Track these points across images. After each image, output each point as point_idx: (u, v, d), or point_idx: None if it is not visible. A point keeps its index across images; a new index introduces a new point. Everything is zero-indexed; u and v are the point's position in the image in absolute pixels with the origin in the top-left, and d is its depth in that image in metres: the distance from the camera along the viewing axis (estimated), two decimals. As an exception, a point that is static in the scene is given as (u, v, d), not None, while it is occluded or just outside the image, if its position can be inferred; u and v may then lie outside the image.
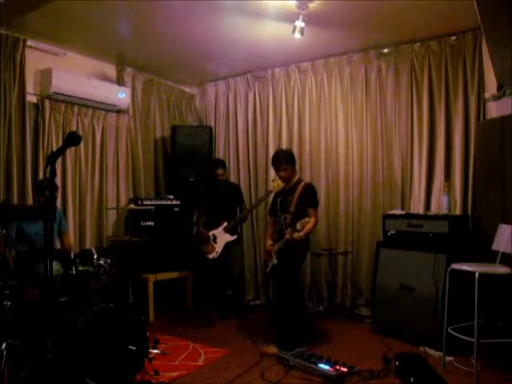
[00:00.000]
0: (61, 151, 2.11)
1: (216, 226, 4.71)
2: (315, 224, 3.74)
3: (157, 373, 3.14)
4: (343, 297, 4.87)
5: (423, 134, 4.42)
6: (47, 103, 4.33)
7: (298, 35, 3.74)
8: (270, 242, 3.86)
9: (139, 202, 4.78)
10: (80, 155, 4.59)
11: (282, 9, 3.67)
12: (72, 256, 3.24)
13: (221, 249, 4.66)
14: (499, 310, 3.45)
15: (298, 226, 3.44)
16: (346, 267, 4.87)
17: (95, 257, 3.24)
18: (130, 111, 5.17)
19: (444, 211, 4.12)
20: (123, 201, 5.03)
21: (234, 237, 4.72)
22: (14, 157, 4.02)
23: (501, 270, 3.12)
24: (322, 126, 5.04)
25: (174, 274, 4.88)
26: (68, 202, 4.44)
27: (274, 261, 3.75)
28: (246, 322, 4.50)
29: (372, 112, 4.77)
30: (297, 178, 3.97)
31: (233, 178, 5.54)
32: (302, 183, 3.85)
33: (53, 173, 2.01)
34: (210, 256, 4.66)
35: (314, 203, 3.82)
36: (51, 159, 2.00)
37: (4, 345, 2.54)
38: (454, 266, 3.22)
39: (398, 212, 4.28)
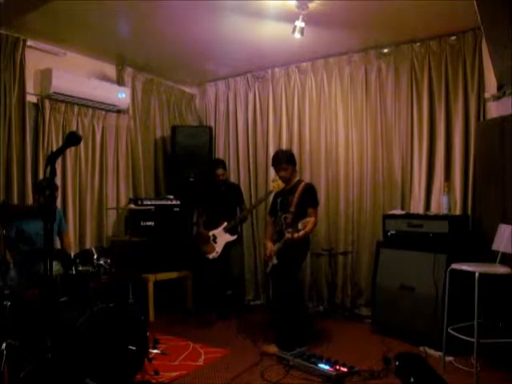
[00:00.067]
0: (61, 151, 2.11)
1: (216, 226, 4.71)
2: (315, 224, 3.75)
3: (157, 373, 3.14)
4: (343, 297, 4.87)
5: (423, 134, 4.42)
6: (47, 103, 4.33)
7: (298, 35, 3.74)
8: (270, 244, 3.86)
9: (139, 202, 4.78)
10: (80, 155, 4.59)
11: (281, 9, 3.67)
12: (72, 256, 3.24)
13: (221, 249, 4.66)
14: (499, 310, 3.45)
15: (300, 226, 3.44)
16: (346, 267, 4.87)
17: (95, 257, 3.24)
18: (130, 111, 5.17)
19: (444, 211, 4.12)
20: (123, 201, 5.03)
21: (234, 237, 4.72)
22: (14, 157, 4.02)
23: (501, 269, 3.12)
24: (322, 125, 5.04)
25: (174, 274, 4.88)
26: (68, 202, 4.44)
27: (274, 261, 3.75)
28: (246, 322, 4.50)
29: (372, 112, 4.77)
30: (297, 178, 3.98)
31: (233, 178, 5.54)
32: (303, 183, 3.86)
33: (53, 173, 2.01)
34: (210, 256, 4.66)
35: (314, 203, 3.83)
36: (51, 159, 2.00)
37: (4, 345, 2.54)
38: (454, 266, 3.22)
39: (398, 212, 4.28)
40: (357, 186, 4.83)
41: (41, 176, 4.13)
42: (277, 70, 5.33)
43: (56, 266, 3.06)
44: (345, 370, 3.12)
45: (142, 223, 4.77)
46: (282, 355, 3.44)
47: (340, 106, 4.94)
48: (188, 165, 5.23)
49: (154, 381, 3.06)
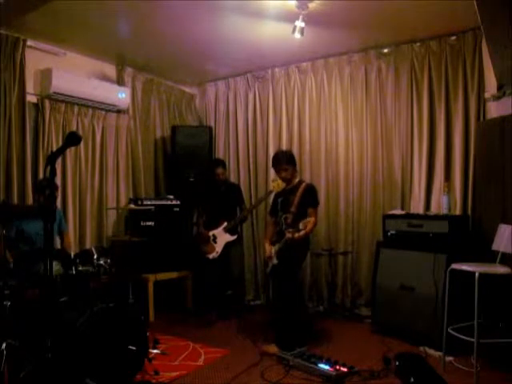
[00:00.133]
0: (61, 151, 2.11)
1: (216, 226, 4.71)
2: (315, 224, 3.75)
3: (157, 373, 3.14)
4: (343, 297, 4.87)
5: (423, 134, 4.42)
6: (47, 103, 4.33)
7: (298, 35, 3.74)
8: (268, 247, 3.85)
9: (139, 202, 4.78)
10: (80, 155, 4.59)
11: (281, 9, 3.67)
12: (72, 256, 3.24)
13: (221, 249, 4.66)
14: (499, 310, 3.45)
15: (301, 226, 3.45)
16: (346, 267, 4.87)
17: (95, 257, 3.24)
18: (130, 111, 5.17)
19: (444, 211, 4.12)
20: (123, 201, 5.03)
21: (234, 237, 4.72)
22: (14, 157, 4.02)
23: (501, 270, 3.12)
24: (322, 126, 5.04)
25: (174, 274, 4.88)
26: (68, 202, 4.44)
27: (274, 261, 3.75)
28: (246, 322, 4.50)
29: (372, 112, 4.77)
30: (298, 178, 3.98)
31: (233, 178, 5.54)
32: (303, 184, 3.86)
33: (53, 172, 2.01)
34: (210, 256, 4.66)
35: (315, 203, 3.83)
36: (51, 159, 2.00)
37: (4, 345, 2.54)
38: (454, 266, 3.22)
39: (398, 212, 4.28)
40: (357, 186, 4.83)
41: (41, 176, 4.13)
42: (277, 69, 5.33)
43: (56, 266, 3.05)
44: (345, 370, 3.12)
45: (142, 223, 4.77)
46: (282, 355, 3.44)
47: (340, 106, 4.93)
48: (188, 165, 5.23)
49: (154, 381, 3.06)
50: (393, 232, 4.14)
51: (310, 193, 3.82)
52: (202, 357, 3.58)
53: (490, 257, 3.38)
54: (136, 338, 3.03)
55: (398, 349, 3.56)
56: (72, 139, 2.12)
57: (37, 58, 4.30)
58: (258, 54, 4.84)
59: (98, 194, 4.79)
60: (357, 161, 4.84)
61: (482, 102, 4.13)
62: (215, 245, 4.67)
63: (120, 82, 5.08)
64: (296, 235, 3.50)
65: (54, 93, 4.29)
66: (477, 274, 2.98)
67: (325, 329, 4.29)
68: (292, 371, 3.25)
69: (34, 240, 3.54)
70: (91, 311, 2.84)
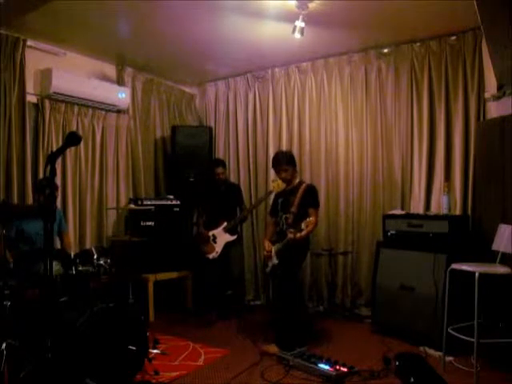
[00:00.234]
0: (61, 151, 2.11)
1: (216, 226, 4.71)
2: (316, 224, 3.75)
3: (157, 373, 3.14)
4: (343, 297, 4.87)
5: (423, 134, 4.42)
6: (47, 103, 4.33)
7: (298, 35, 3.74)
8: (268, 243, 3.86)
9: (139, 202, 4.78)
10: (80, 155, 4.59)
11: (281, 9, 3.67)
12: (72, 256, 3.24)
13: (220, 249, 4.66)
14: (499, 310, 3.45)
15: (303, 226, 3.45)
16: (346, 267, 4.87)
17: (95, 257, 3.24)
18: (130, 111, 5.17)
19: (444, 211, 4.12)
20: (123, 201, 5.03)
21: (234, 237, 4.72)
22: (14, 157, 4.02)
23: (501, 269, 3.12)
24: (322, 126, 5.04)
25: (174, 274, 4.88)
26: (68, 202, 4.44)
27: (275, 260, 3.75)
28: (246, 322, 4.50)
29: (372, 112, 4.77)
30: (298, 179, 3.99)
31: (233, 178, 5.54)
32: (304, 184, 3.87)
33: (53, 172, 2.01)
34: (210, 256, 4.66)
35: (316, 204, 3.83)
36: (51, 159, 2.00)
37: (4, 345, 2.54)
38: (454, 266, 3.22)
39: (398, 212, 4.28)
40: (357, 186, 4.83)
41: (41, 176, 4.13)
42: (277, 69, 5.33)
43: (56, 266, 3.05)
44: (345, 370, 3.12)
45: (142, 223, 4.77)
46: (282, 355, 3.44)
47: (340, 106, 4.93)
48: (188, 165, 5.23)
49: (154, 381, 3.06)
50: (393, 232, 4.14)
51: (311, 193, 3.82)
52: (202, 357, 3.58)
53: (490, 257, 3.38)
54: (136, 338, 3.03)
55: (398, 349, 3.56)
56: (72, 139, 2.12)
57: (37, 58, 4.30)
58: (258, 53, 4.84)
59: (98, 194, 4.79)
60: (357, 161, 4.84)
61: (482, 102, 4.13)
62: (215, 245, 4.67)
63: (120, 82, 5.08)
64: (298, 235, 3.50)
65: (54, 93, 4.29)
66: (477, 274, 2.98)
67: (325, 329, 4.29)
68: (292, 371, 3.25)
69: (34, 240, 3.54)
70: (91, 311, 2.84)
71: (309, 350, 3.51)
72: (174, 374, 3.22)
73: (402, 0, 3.54)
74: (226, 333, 4.24)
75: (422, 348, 3.61)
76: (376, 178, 4.72)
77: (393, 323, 3.97)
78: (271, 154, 5.10)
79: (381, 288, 4.10)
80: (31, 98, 4.27)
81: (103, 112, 4.86)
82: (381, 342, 3.82)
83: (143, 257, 4.56)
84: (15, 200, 3.99)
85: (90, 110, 4.72)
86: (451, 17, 3.87)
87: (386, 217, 4.26)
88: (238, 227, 4.94)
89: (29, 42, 4.17)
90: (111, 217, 4.96)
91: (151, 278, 4.58)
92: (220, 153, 5.72)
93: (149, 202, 4.82)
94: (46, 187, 3.30)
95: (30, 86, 4.24)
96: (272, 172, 4.51)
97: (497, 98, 4.04)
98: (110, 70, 5.08)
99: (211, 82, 5.86)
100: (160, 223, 4.86)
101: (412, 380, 2.91)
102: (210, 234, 4.71)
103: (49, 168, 1.99)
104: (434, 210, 4.31)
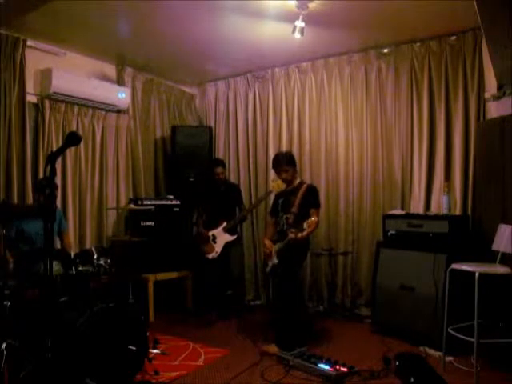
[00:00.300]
0: (61, 151, 2.11)
1: (216, 226, 4.71)
2: (317, 224, 3.75)
3: (157, 373, 3.14)
4: (343, 297, 4.87)
5: (423, 134, 4.42)
6: (47, 103, 4.33)
7: (298, 35, 3.74)
8: (269, 242, 3.86)
9: (139, 202, 4.77)
10: (80, 155, 4.59)
11: (281, 9, 3.67)
12: (72, 256, 3.24)
13: (220, 249, 4.66)
14: (499, 310, 3.45)
15: (305, 226, 3.45)
16: (346, 267, 4.87)
17: (95, 257, 3.24)
18: (130, 111, 5.17)
19: (444, 211, 4.12)
20: (123, 201, 5.03)
21: (234, 237, 4.72)
22: (14, 157, 4.02)
23: (501, 269, 3.12)
24: (322, 126, 5.04)
25: (174, 274, 4.88)
26: (68, 201, 4.44)
27: (275, 260, 3.75)
28: (246, 322, 4.50)
29: (372, 112, 4.77)
30: (299, 179, 3.99)
31: (233, 178, 5.54)
32: (305, 185, 3.87)
33: (53, 172, 2.01)
34: (210, 256, 4.66)
35: (317, 204, 3.83)
36: (51, 158, 2.00)
37: (4, 345, 2.54)
38: (454, 265, 3.22)
39: (398, 212, 4.28)
40: (357, 186, 4.83)
41: (41, 176, 4.13)
42: (277, 69, 5.33)
43: (56, 266, 3.05)
44: (345, 370, 3.12)
45: (142, 223, 4.77)
46: (282, 355, 3.44)
47: (340, 106, 4.93)
48: (188, 165, 5.23)
49: (154, 381, 3.06)
50: (393, 232, 4.14)
51: (312, 193, 3.82)
52: (202, 357, 3.58)
53: (490, 257, 3.38)
54: (136, 338, 3.03)
55: (398, 349, 3.56)
56: (72, 139, 2.12)
57: (37, 58, 4.30)
58: (258, 53, 4.84)
59: (98, 194, 4.79)
60: (357, 161, 4.84)
61: (482, 102, 4.13)
62: (215, 245, 4.67)
63: (120, 81, 5.08)
64: (299, 235, 3.50)
65: (54, 93, 4.29)
66: (477, 274, 2.98)
67: (325, 329, 4.29)
68: (292, 371, 3.25)
69: (34, 240, 3.54)
70: (91, 311, 2.84)
71: (309, 350, 3.51)
72: (174, 373, 3.22)
73: (402, 0, 3.54)
74: (226, 333, 4.24)
75: (422, 348, 3.61)
76: (376, 178, 4.72)
77: (393, 323, 3.97)
78: (271, 154, 5.11)
79: (381, 288, 4.10)
80: (31, 98, 4.27)
81: (103, 112, 4.85)
82: (381, 342, 3.82)
83: (143, 257, 4.56)
84: (15, 200, 3.99)
85: (90, 110, 4.72)
86: (451, 17, 3.87)
87: (386, 217, 4.26)
88: (238, 227, 4.94)
89: (29, 42, 4.17)
90: (111, 217, 4.96)
91: (151, 278, 4.58)
92: (220, 153, 5.72)
93: (149, 202, 4.82)
94: (46, 187, 3.30)
95: (30, 86, 4.24)
96: (272, 172, 4.51)
97: (497, 97, 4.04)
98: (110, 70, 5.08)
99: (211, 82, 5.86)
100: (160, 223, 4.86)
101: (412, 380, 2.91)
102: (210, 233, 4.71)
103: (49, 168, 1.99)
104: (434, 209, 4.31)
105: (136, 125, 5.24)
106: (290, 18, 3.72)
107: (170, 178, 5.57)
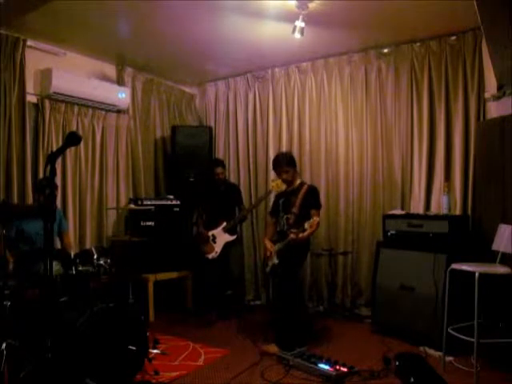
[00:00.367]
0: (61, 151, 2.11)
1: (215, 226, 4.71)
2: (318, 225, 3.74)
3: (157, 373, 3.14)
4: (343, 297, 4.87)
5: (423, 134, 4.42)
6: (47, 103, 4.33)
7: (298, 35, 3.74)
8: (269, 243, 3.86)
9: (139, 202, 4.77)
10: (80, 155, 4.59)
11: (281, 9, 3.67)
12: (72, 256, 3.24)
13: (220, 249, 4.66)
14: (499, 310, 3.45)
15: (306, 226, 3.44)
16: (346, 267, 4.87)
17: (95, 257, 3.23)
18: (130, 111, 5.17)
19: (444, 211, 4.12)
20: (123, 201, 5.03)
21: (234, 237, 4.72)
22: (14, 157, 4.02)
23: (501, 269, 3.12)
24: (322, 126, 5.04)
25: (174, 274, 4.88)
26: (68, 201, 4.44)
27: (275, 260, 3.74)
28: (246, 322, 4.50)
29: (372, 112, 4.77)
30: (299, 180, 3.99)
31: (233, 178, 5.54)
32: (306, 185, 3.87)
33: (53, 172, 2.01)
34: (210, 256, 4.66)
35: (317, 205, 3.83)
36: (51, 158, 2.00)
37: (4, 345, 2.54)
38: (454, 265, 3.22)
39: (398, 212, 4.28)
40: (357, 186, 4.83)
41: (41, 176, 4.13)
42: (277, 69, 5.33)
43: (56, 266, 3.05)
44: (345, 370, 3.12)
45: (142, 223, 4.77)
46: (282, 355, 3.44)
47: (340, 106, 4.94)
48: (188, 165, 5.23)
49: (154, 381, 3.06)
50: (393, 232, 4.14)
51: (313, 194, 3.82)
52: (202, 357, 3.58)
53: (490, 257, 3.38)
54: (136, 338, 3.03)
55: (398, 349, 3.56)
56: (72, 139, 2.12)
57: (37, 58, 4.30)
58: (258, 53, 4.84)
59: (98, 194, 4.79)
60: (357, 161, 4.84)
61: (482, 102, 4.13)
62: (214, 245, 4.67)
63: (120, 82, 5.08)
64: (300, 235, 3.50)
65: (54, 93, 4.29)
66: (477, 274, 2.98)
67: (325, 329, 4.29)
68: (292, 371, 3.25)
69: (34, 240, 3.54)
70: (91, 311, 2.84)
71: (309, 349, 3.51)
72: (174, 373, 3.22)
73: (402, 0, 3.55)
74: (226, 333, 4.24)
75: (422, 348, 3.61)
76: (376, 178, 4.72)
77: (393, 323, 3.97)
78: (271, 154, 5.12)
79: (381, 288, 4.10)
80: (31, 98, 4.27)
81: (103, 112, 4.86)
82: (381, 342, 3.82)
83: (143, 257, 4.56)
84: (15, 200, 3.99)
85: (90, 110, 4.72)
86: (451, 17, 3.87)
87: (386, 217, 4.26)
88: (238, 227, 4.94)
89: (29, 42, 4.17)
90: (111, 217, 4.96)
91: (151, 278, 4.58)
92: (220, 153, 5.72)
93: (149, 202, 4.82)
94: (46, 187, 3.30)
95: (30, 86, 4.24)
96: (272, 172, 4.51)
97: (497, 97, 4.04)
98: (110, 69, 5.08)
99: (211, 82, 5.86)
100: (160, 223, 4.86)
101: (412, 380, 2.91)
102: (210, 233, 4.71)
103: (49, 168, 1.99)
104: (434, 209, 4.31)
105: (136, 125, 5.24)
106: (289, 17, 3.72)
107: (170, 178, 5.57)
